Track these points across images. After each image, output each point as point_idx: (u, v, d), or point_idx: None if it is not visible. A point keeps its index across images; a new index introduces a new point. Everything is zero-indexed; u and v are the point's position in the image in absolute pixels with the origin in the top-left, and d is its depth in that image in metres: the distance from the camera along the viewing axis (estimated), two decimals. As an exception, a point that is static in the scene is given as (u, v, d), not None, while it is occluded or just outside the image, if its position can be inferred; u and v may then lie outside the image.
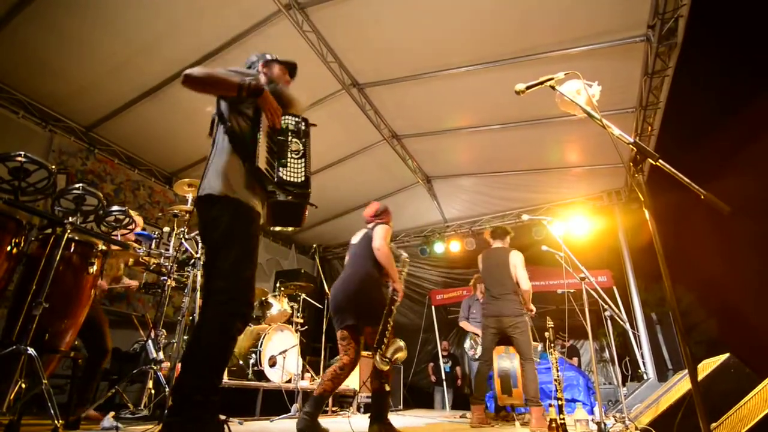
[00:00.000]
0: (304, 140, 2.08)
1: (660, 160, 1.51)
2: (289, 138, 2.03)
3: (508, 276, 4.14)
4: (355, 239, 3.29)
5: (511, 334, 3.98)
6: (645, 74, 4.44)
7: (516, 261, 4.19)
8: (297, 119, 2.10)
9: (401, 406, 6.39)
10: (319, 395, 2.77)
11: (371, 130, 5.71)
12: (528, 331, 3.99)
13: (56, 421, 1.85)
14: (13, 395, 1.92)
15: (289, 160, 1.98)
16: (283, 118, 2.04)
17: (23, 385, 1.96)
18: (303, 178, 1.98)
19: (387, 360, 2.88)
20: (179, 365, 3.62)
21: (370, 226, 3.27)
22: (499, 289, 4.13)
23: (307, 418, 2.65)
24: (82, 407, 2.75)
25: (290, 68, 2.40)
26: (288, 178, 1.94)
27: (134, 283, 3.54)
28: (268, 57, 2.33)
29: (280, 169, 1.94)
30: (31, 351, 1.95)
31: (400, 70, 4.80)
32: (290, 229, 2.15)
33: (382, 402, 2.91)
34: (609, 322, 4.05)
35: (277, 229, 2.13)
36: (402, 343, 2.99)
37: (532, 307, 4.24)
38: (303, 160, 2.03)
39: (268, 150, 1.93)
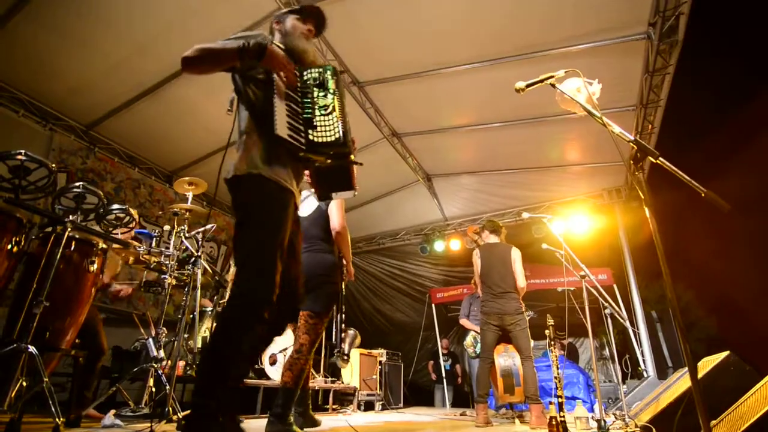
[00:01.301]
0: (333, 92, 1.78)
1: (660, 158, 1.51)
2: (314, 93, 1.76)
3: (510, 273, 4.14)
4: (305, 211, 2.89)
5: (511, 330, 3.99)
6: (646, 72, 4.43)
7: (516, 257, 4.20)
8: (319, 70, 1.81)
9: (401, 404, 6.41)
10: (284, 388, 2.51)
11: (371, 128, 5.71)
12: (527, 328, 4.00)
13: (57, 419, 1.86)
14: (14, 393, 1.93)
15: (317, 117, 1.72)
16: (306, 71, 1.80)
17: (24, 383, 1.97)
18: (337, 135, 1.69)
19: (347, 357, 2.74)
20: (180, 363, 3.63)
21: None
22: (501, 287, 4.12)
23: (273, 419, 2.39)
24: (81, 407, 2.75)
25: (310, 15, 2.10)
26: (319, 139, 1.68)
27: (125, 289, 3.52)
28: (284, 10, 2.09)
29: (309, 130, 1.69)
30: (32, 349, 1.96)
31: (401, 69, 4.79)
32: (349, 195, 1.92)
33: (290, 398, 2.51)
34: (609, 319, 4.07)
35: (334, 198, 1.89)
36: (353, 331, 2.91)
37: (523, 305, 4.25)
38: (333, 114, 1.73)
39: (288, 112, 1.70)
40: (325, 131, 1.69)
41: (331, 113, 1.73)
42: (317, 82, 1.78)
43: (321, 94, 1.76)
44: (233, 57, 1.66)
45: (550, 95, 1.86)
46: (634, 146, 1.57)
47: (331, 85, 1.79)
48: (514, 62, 4.49)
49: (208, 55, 1.66)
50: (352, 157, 1.81)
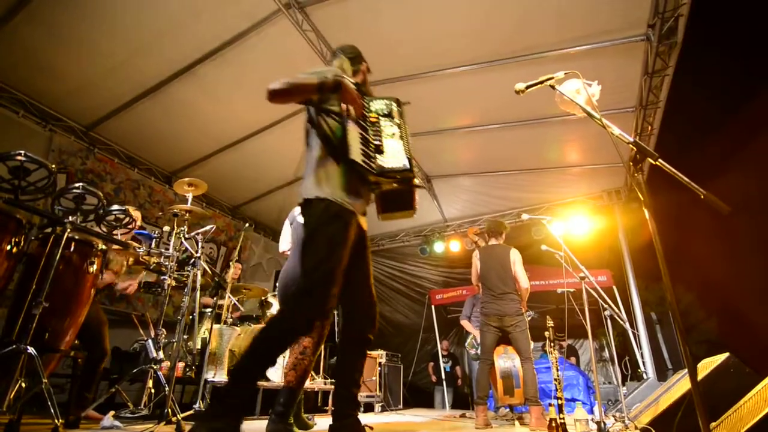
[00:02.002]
0: (398, 122, 2.00)
1: (660, 160, 1.52)
2: (383, 123, 1.96)
3: (509, 274, 4.15)
4: (302, 219, 3.07)
5: (510, 332, 3.99)
6: (645, 73, 4.44)
7: (516, 258, 4.20)
8: (386, 101, 2.04)
9: (401, 405, 6.40)
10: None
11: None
12: (527, 330, 4.00)
13: (56, 420, 1.86)
14: (13, 394, 1.92)
15: (385, 144, 1.90)
16: (372, 101, 2.01)
17: (23, 384, 1.96)
18: (404, 162, 1.88)
19: None
20: (179, 364, 3.63)
21: None
22: (501, 288, 4.13)
23: (275, 418, 2.42)
24: (81, 408, 2.75)
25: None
26: (389, 165, 1.85)
27: (132, 285, 3.52)
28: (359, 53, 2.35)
29: (377, 156, 1.85)
30: (31, 350, 1.95)
31: (400, 70, 4.80)
32: (409, 216, 2.11)
33: (293, 398, 2.55)
34: (609, 321, 4.06)
35: (395, 216, 2.09)
36: None
37: (526, 306, 4.25)
38: (400, 142, 1.93)
39: (361, 140, 1.86)
40: (394, 157, 1.88)
41: (397, 141, 1.93)
42: (384, 112, 2.00)
43: (388, 123, 1.97)
44: (314, 90, 1.87)
45: (550, 97, 1.87)
46: (634, 148, 1.57)
47: (397, 115, 2.02)
48: (513, 64, 4.50)
49: (294, 89, 1.85)
50: (416, 181, 1.99)
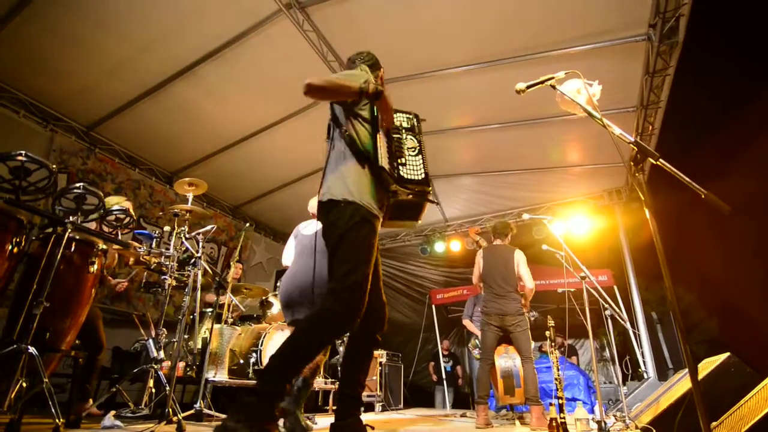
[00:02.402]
0: (418, 136, 2.09)
1: (660, 160, 1.51)
2: (404, 135, 2.05)
3: (512, 274, 4.15)
4: (307, 231, 3.12)
5: (511, 331, 3.99)
6: (646, 73, 4.43)
7: (520, 259, 4.20)
8: (409, 116, 2.13)
9: (401, 405, 6.40)
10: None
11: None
12: (528, 330, 4.00)
13: (57, 420, 1.86)
14: (14, 394, 1.93)
15: (407, 157, 1.99)
16: (396, 115, 2.07)
17: (24, 384, 1.97)
18: (423, 176, 1.98)
19: None
20: (180, 364, 3.63)
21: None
22: (503, 288, 4.13)
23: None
24: (82, 403, 2.76)
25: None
26: (408, 176, 1.94)
27: (122, 283, 3.53)
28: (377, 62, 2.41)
29: (399, 167, 1.94)
30: (32, 350, 1.95)
31: (400, 70, 4.79)
32: (413, 225, 2.21)
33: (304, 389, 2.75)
34: (609, 321, 4.06)
35: (397, 224, 2.16)
36: None
37: (529, 306, 4.25)
38: (420, 156, 2.02)
39: (387, 149, 1.95)
40: (413, 170, 1.97)
41: (418, 154, 2.03)
42: (407, 126, 2.09)
43: (410, 137, 2.06)
44: (354, 95, 1.91)
45: (551, 97, 1.87)
46: (635, 147, 1.57)
47: (418, 130, 2.11)
48: (514, 63, 4.49)
49: (335, 89, 1.89)
50: (430, 195, 2.05)
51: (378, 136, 1.94)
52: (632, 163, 5.79)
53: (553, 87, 1.82)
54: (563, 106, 1.85)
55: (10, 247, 2.14)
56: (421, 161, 2.00)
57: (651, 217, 1.51)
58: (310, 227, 3.15)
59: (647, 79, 4.48)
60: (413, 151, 2.02)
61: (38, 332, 2.04)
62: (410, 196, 1.97)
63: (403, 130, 2.06)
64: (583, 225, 6.74)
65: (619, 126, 1.66)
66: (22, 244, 2.22)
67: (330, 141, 2.05)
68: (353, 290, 1.73)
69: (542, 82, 1.81)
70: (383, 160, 1.88)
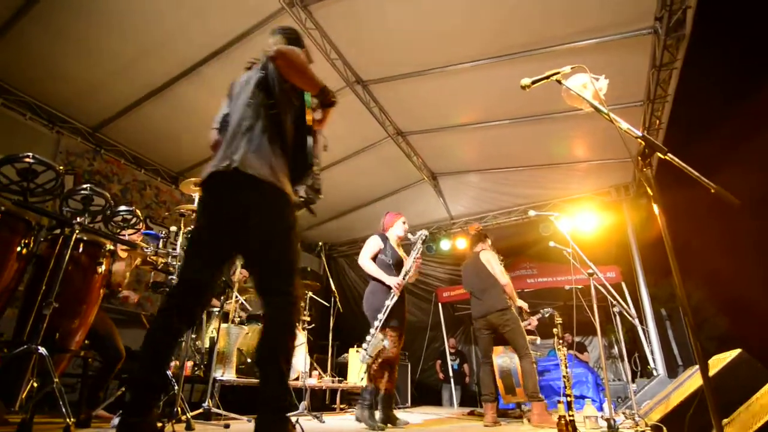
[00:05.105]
0: (324, 148, 2.11)
1: (669, 154, 1.50)
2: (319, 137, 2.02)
3: (485, 274, 4.17)
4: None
5: (502, 332, 3.98)
6: (653, 67, 4.39)
7: (487, 258, 4.22)
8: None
9: (409, 404, 6.41)
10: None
11: (376, 128, 5.71)
12: (519, 326, 3.96)
13: (68, 419, 1.88)
14: (25, 394, 1.95)
15: (315, 165, 1.97)
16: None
17: (35, 384, 1.99)
18: (320, 187, 2.00)
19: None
20: (188, 363, 3.66)
21: None
22: (479, 288, 4.19)
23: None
24: (92, 407, 2.78)
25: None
26: (315, 184, 1.96)
27: (132, 296, 3.56)
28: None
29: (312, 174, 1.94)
30: (42, 350, 1.98)
31: (405, 67, 4.79)
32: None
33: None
34: (618, 317, 4.04)
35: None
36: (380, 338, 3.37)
37: (521, 303, 4.22)
38: (320, 165, 2.01)
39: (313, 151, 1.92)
40: (317, 179, 1.98)
41: (319, 164, 1.99)
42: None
43: (323, 139, 2.06)
44: (314, 89, 1.82)
45: (557, 92, 1.86)
46: (642, 142, 1.56)
47: (324, 141, 2.10)
48: (519, 59, 4.47)
49: (303, 69, 1.80)
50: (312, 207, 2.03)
51: (311, 137, 1.89)
52: (640, 158, 5.73)
53: (559, 82, 1.80)
54: (569, 101, 1.84)
55: (19, 249, 2.17)
56: (320, 172, 2.01)
57: (659, 213, 1.50)
58: None
59: (654, 73, 4.44)
60: (317, 159, 1.99)
61: (48, 332, 2.07)
62: (301, 199, 1.94)
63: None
64: (591, 221, 6.69)
65: (626, 120, 1.65)
66: (31, 245, 2.25)
67: (253, 107, 1.85)
68: (299, 285, 1.71)
69: (548, 77, 1.80)
70: (311, 161, 1.87)
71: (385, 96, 5.33)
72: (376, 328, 3.29)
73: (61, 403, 1.92)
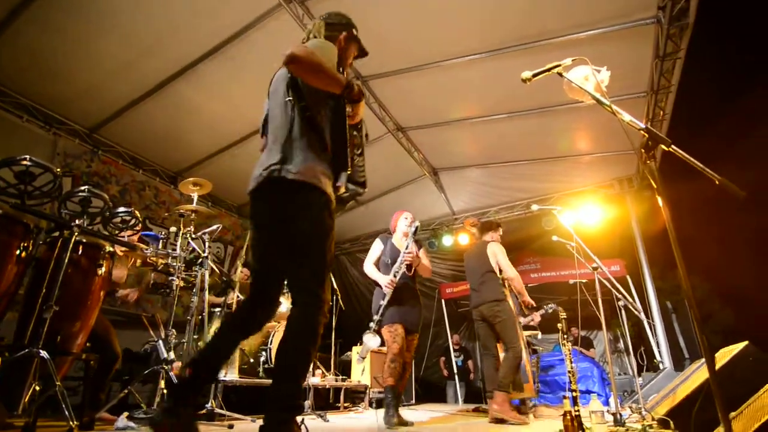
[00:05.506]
0: (363, 135, 2.00)
1: (672, 146, 1.50)
2: (353, 132, 1.92)
3: (483, 265, 4.13)
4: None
5: (493, 323, 3.93)
6: (656, 57, 4.37)
7: (494, 250, 4.15)
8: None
9: (413, 401, 6.43)
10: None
11: (376, 123, 5.70)
12: (511, 319, 3.88)
13: (71, 422, 1.89)
14: (27, 398, 1.96)
15: (356, 157, 1.91)
16: None
17: (37, 388, 2.00)
18: (365, 179, 1.93)
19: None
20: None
21: None
22: (476, 280, 4.16)
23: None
24: (95, 410, 2.80)
25: (360, 54, 2.23)
26: (355, 178, 1.88)
27: (131, 294, 3.57)
28: (354, 32, 2.15)
29: (351, 166, 1.88)
30: (43, 353, 1.98)
31: (404, 61, 4.77)
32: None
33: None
34: (623, 311, 4.03)
35: None
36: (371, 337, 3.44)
37: (529, 299, 4.14)
38: (363, 157, 1.96)
39: (350, 146, 1.87)
40: (359, 171, 1.91)
41: (362, 155, 1.94)
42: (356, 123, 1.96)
43: (356, 134, 1.94)
44: (336, 88, 1.74)
45: (558, 84, 1.84)
46: (646, 134, 1.55)
47: (364, 128, 2.01)
48: (520, 51, 4.45)
49: (320, 71, 1.70)
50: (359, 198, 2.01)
51: (347, 135, 1.84)
52: (643, 150, 5.72)
53: (560, 74, 1.79)
54: (571, 94, 1.83)
55: (18, 252, 2.17)
56: (363, 163, 1.95)
57: (664, 205, 1.49)
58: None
59: (657, 63, 4.42)
60: (358, 150, 1.93)
61: (49, 336, 2.07)
62: (346, 195, 1.89)
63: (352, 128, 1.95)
64: (594, 214, 6.68)
65: (629, 112, 1.64)
66: (30, 248, 2.26)
67: (286, 114, 1.83)
68: (328, 285, 1.70)
69: (548, 70, 1.79)
70: (347, 161, 1.82)
71: (384, 91, 5.32)
72: (370, 330, 3.38)
73: (63, 406, 1.93)
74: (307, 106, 1.81)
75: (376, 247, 3.79)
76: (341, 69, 1.96)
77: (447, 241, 8.13)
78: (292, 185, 1.68)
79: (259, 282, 1.81)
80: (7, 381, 2.03)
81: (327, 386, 5.12)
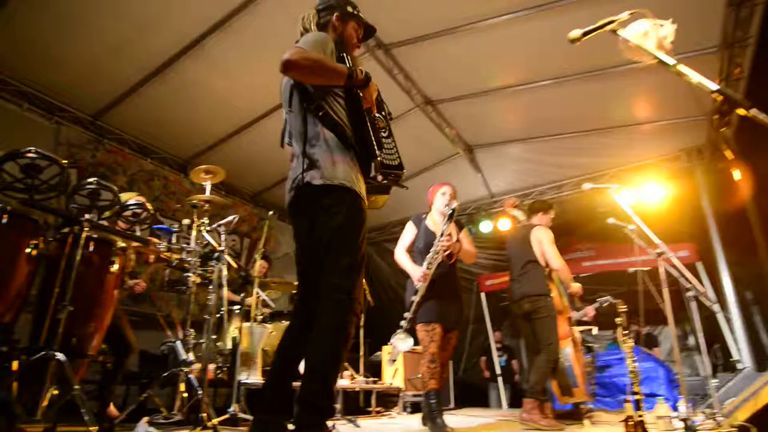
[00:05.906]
0: (386, 115, 2.12)
1: (753, 109, 1.43)
2: (374, 116, 2.05)
3: (526, 253, 4.10)
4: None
5: (533, 319, 3.93)
6: (730, 4, 4.15)
7: (540, 237, 4.10)
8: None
9: (452, 405, 6.49)
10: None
11: (401, 97, 5.67)
12: (552, 315, 3.88)
13: (91, 428, 2.01)
14: (45, 402, 2.09)
15: (383, 141, 2.02)
16: None
17: (55, 392, 2.13)
18: (399, 161, 2.04)
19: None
20: (210, 366, 3.82)
21: None
22: (516, 270, 4.13)
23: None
24: (104, 404, 2.97)
25: (367, 31, 2.38)
26: (387, 161, 1.99)
27: (140, 284, 3.71)
28: (350, 9, 2.27)
29: (380, 152, 1.98)
30: (59, 356, 2.10)
31: (431, 25, 4.71)
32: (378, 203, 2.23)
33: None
34: (693, 303, 3.92)
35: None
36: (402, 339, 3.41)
37: (575, 287, 4.08)
38: (391, 138, 2.07)
39: (374, 134, 1.98)
40: (390, 154, 2.02)
41: (389, 136, 2.06)
42: (377, 103, 2.08)
43: (380, 116, 2.07)
44: (341, 79, 1.89)
45: (612, 43, 1.79)
46: (719, 97, 1.49)
47: (384, 107, 2.12)
48: (565, 6, 4.32)
49: (320, 70, 1.86)
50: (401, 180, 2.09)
51: (368, 123, 1.95)
52: (716, 116, 5.48)
53: (615, 32, 1.74)
54: (628, 53, 1.77)
55: (28, 250, 2.30)
56: (393, 144, 2.06)
57: (742, 179, 1.44)
58: None
59: (732, 11, 4.20)
60: (385, 132, 2.05)
61: (64, 337, 2.19)
62: (384, 182, 2.02)
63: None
64: (657, 192, 6.49)
65: (698, 71, 1.57)
66: (40, 245, 2.38)
67: (301, 119, 1.98)
68: (360, 285, 1.87)
69: (601, 27, 1.73)
70: (378, 151, 1.93)
71: (409, 60, 5.27)
72: (401, 329, 3.34)
73: (82, 411, 2.04)
74: (319, 106, 1.95)
75: (409, 231, 3.69)
76: (344, 54, 2.02)
77: (485, 227, 8.06)
78: (320, 190, 1.85)
79: (306, 284, 2.05)
80: (23, 385, 2.16)
81: (357, 389, 5.23)
